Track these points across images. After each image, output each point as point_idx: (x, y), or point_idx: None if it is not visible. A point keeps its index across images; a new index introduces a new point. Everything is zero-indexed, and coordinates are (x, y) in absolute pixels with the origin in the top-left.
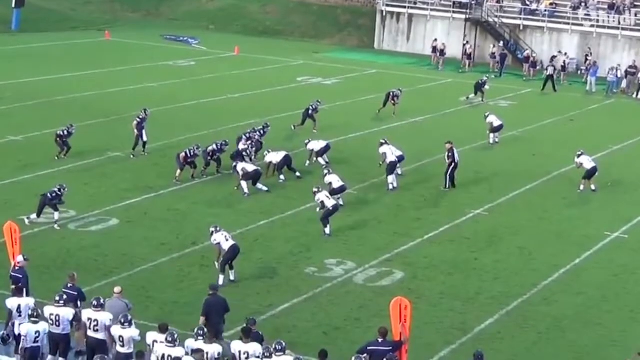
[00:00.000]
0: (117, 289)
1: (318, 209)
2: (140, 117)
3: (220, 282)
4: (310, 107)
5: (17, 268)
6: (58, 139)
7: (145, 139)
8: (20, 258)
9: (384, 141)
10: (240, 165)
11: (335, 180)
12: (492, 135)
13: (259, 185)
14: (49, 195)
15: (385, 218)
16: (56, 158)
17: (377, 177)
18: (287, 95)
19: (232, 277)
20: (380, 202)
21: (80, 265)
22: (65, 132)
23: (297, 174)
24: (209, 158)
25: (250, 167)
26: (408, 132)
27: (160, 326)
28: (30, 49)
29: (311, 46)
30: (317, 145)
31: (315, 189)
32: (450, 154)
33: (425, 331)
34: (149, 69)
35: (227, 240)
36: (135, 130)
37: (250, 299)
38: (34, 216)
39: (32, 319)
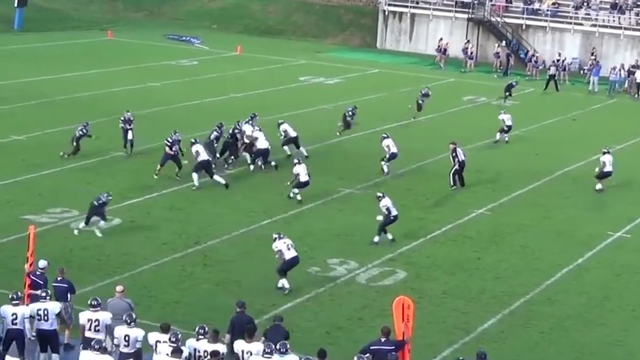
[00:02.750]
0: (118, 288)
1: (379, 217)
2: (122, 118)
3: (280, 284)
4: (347, 113)
5: (38, 273)
6: (76, 140)
7: (130, 137)
8: (43, 262)
9: (386, 135)
10: (195, 148)
11: (303, 173)
12: (498, 134)
13: (216, 177)
14: (95, 202)
15: None
16: (65, 155)
17: (380, 176)
18: (289, 94)
19: (286, 285)
20: None
21: (82, 264)
22: (83, 132)
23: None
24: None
25: (204, 156)
26: (410, 132)
27: (162, 326)
28: (32, 49)
29: (313, 46)
30: (291, 131)
31: (379, 194)
32: (454, 154)
33: (428, 331)
34: (151, 69)
35: (288, 249)
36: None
37: (253, 299)
38: (82, 225)
39: (13, 302)
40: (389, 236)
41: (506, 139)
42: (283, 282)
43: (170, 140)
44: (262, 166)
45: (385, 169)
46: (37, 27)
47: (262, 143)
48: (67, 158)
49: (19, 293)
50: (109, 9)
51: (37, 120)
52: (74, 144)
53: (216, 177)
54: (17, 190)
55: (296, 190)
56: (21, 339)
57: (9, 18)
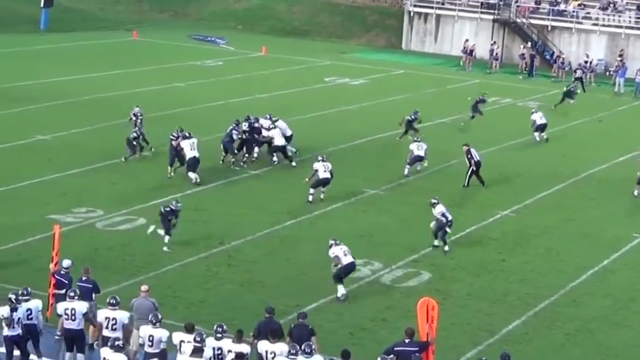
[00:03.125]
0: (143, 287)
1: (433, 223)
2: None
3: (340, 293)
4: (410, 117)
5: (62, 272)
6: (133, 141)
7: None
8: (68, 262)
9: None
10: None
11: (322, 170)
12: (536, 133)
13: (190, 174)
14: (162, 209)
15: (413, 218)
16: (124, 159)
17: (405, 177)
18: (314, 95)
19: (343, 291)
20: (407, 202)
21: (107, 264)
22: (137, 134)
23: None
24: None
25: (190, 154)
26: (435, 133)
27: (187, 326)
28: (58, 49)
29: (338, 46)
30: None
31: (433, 201)
32: (469, 155)
33: (452, 332)
34: (176, 69)
35: (345, 255)
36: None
37: (277, 299)
38: (161, 231)
39: (24, 297)
40: (446, 248)
41: (545, 137)
42: (340, 289)
43: (175, 136)
44: (277, 161)
45: (406, 172)
46: (63, 27)
47: (278, 140)
48: (125, 162)
49: (29, 289)
50: (135, 10)
51: (63, 120)
52: (132, 145)
53: (190, 174)
54: (42, 189)
55: (312, 191)
56: (35, 334)
57: (35, 18)
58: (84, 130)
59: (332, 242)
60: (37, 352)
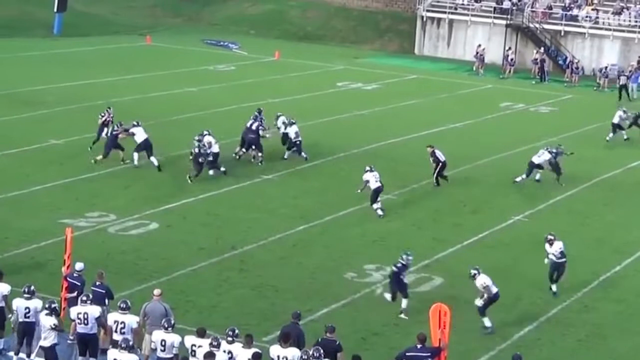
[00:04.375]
0: (156, 292)
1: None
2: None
3: (487, 324)
4: (553, 153)
5: (75, 275)
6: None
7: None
8: (80, 265)
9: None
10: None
11: (373, 181)
12: (611, 134)
13: (152, 159)
14: (394, 268)
15: (425, 224)
16: (190, 179)
17: (417, 182)
18: (326, 100)
19: (487, 324)
20: (420, 207)
21: (120, 268)
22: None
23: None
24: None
25: (141, 137)
26: (447, 138)
27: (199, 330)
28: (72, 54)
29: (351, 51)
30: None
31: (474, 272)
32: (433, 157)
33: (465, 337)
34: (189, 74)
35: (493, 284)
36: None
37: (289, 304)
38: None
39: (25, 295)
40: (488, 323)
41: (624, 136)
42: (486, 321)
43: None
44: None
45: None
46: (77, 32)
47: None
48: (192, 182)
49: (32, 287)
50: (148, 14)
51: (76, 125)
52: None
53: (152, 159)
54: (55, 194)
55: (375, 206)
56: (31, 332)
57: (48, 23)
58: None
59: (475, 272)
60: (28, 350)
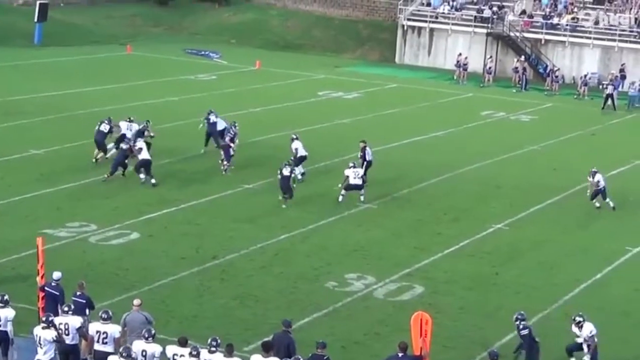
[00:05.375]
0: (136, 302)
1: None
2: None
3: None
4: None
5: (53, 284)
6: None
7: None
8: (58, 274)
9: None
10: (139, 145)
11: (352, 177)
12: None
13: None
14: None
15: (406, 232)
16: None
17: (398, 191)
18: (308, 109)
19: None
20: (401, 216)
21: (101, 279)
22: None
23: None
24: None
25: (145, 155)
26: (429, 146)
27: (180, 340)
28: (52, 63)
29: (332, 60)
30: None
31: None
32: (362, 153)
33: (446, 346)
34: (170, 83)
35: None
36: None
37: (270, 313)
38: None
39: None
40: None
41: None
42: None
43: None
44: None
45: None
46: (57, 41)
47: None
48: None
49: (6, 296)
50: (129, 24)
51: (57, 135)
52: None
53: (153, 180)
54: (35, 204)
55: (343, 192)
56: (5, 342)
57: (29, 33)
58: (78, 144)
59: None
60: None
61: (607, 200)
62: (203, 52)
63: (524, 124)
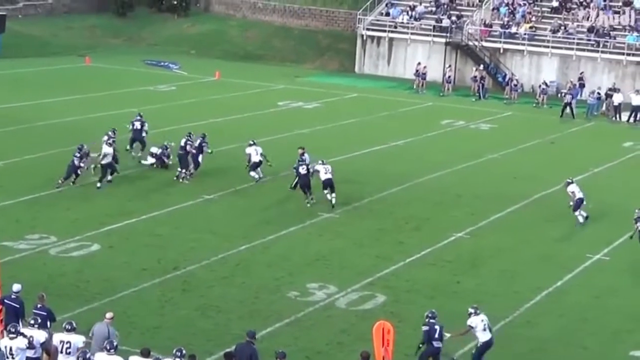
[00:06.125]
0: (108, 315)
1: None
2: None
3: None
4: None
5: (13, 297)
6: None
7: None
8: (18, 286)
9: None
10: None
11: (323, 172)
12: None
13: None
14: None
15: (367, 242)
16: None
17: (359, 200)
18: (268, 119)
19: None
20: (362, 225)
21: (61, 291)
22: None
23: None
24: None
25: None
26: (389, 156)
27: (143, 351)
28: (10, 75)
29: (292, 70)
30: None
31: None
32: (300, 159)
33: (408, 355)
34: (129, 94)
35: (484, 330)
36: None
37: (232, 324)
38: None
39: None
40: None
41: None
42: None
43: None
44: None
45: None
46: (15, 53)
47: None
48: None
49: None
50: (87, 35)
51: (15, 146)
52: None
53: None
54: None
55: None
56: None
57: None
58: (37, 156)
59: (472, 311)
60: None
61: (576, 213)
62: (162, 63)
63: (483, 133)
